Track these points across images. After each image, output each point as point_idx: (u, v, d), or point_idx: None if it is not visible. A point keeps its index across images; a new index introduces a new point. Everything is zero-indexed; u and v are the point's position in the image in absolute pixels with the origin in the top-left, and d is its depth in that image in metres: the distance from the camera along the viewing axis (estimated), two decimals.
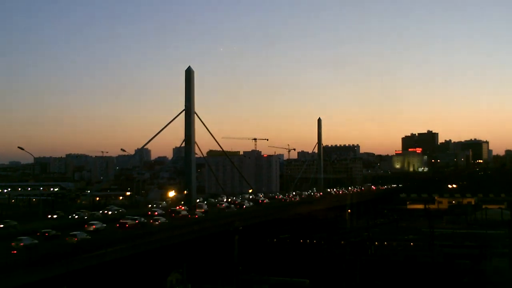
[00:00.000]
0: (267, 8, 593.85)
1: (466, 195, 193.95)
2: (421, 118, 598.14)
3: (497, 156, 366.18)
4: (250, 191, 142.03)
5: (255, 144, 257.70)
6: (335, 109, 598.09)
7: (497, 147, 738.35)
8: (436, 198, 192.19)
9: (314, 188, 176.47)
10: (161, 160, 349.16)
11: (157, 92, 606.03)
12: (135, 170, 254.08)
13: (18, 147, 67.79)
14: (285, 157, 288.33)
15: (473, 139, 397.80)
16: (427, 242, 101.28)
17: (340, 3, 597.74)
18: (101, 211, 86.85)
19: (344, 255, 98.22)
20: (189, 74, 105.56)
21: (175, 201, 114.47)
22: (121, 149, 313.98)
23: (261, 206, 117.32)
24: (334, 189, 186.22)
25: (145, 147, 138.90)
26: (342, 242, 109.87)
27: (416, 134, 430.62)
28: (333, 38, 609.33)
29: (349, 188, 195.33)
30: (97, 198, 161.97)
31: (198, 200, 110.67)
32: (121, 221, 67.49)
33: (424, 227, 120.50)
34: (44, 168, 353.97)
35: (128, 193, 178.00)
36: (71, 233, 55.92)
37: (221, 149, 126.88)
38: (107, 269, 54.69)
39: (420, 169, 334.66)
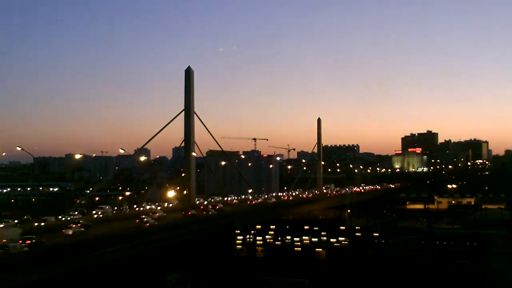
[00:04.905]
0: (267, 8, 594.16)
1: (466, 195, 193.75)
2: (421, 118, 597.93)
3: (497, 156, 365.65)
4: (250, 191, 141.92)
5: (255, 144, 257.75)
6: (335, 109, 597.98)
7: (497, 147, 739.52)
8: (435, 198, 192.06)
9: (314, 190, 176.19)
10: (161, 160, 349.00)
11: (157, 92, 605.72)
12: (135, 170, 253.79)
13: (18, 147, 67.30)
14: (285, 157, 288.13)
15: (472, 139, 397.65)
16: (427, 242, 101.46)
17: (340, 3, 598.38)
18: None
19: (344, 255, 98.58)
20: (188, 74, 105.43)
21: (176, 201, 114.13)
22: (121, 149, 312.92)
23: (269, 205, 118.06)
24: (334, 189, 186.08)
25: (144, 147, 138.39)
26: (342, 242, 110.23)
27: (416, 134, 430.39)
28: (333, 38, 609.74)
29: (347, 188, 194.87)
30: (97, 198, 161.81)
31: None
32: None
33: (423, 227, 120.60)
34: (43, 168, 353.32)
35: (127, 193, 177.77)
36: None
37: (220, 149, 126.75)
38: (106, 269, 54.65)
39: (420, 169, 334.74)
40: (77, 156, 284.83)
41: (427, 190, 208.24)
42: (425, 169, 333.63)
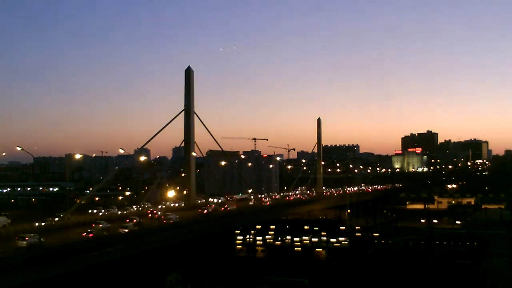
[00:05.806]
0: (267, 8, 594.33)
1: (466, 195, 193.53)
2: (421, 118, 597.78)
3: (497, 156, 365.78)
4: (250, 191, 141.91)
5: (255, 144, 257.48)
6: (335, 109, 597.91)
7: (497, 147, 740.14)
8: (435, 198, 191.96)
9: (313, 189, 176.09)
10: (161, 160, 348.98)
11: (157, 92, 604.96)
12: (135, 170, 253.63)
13: (18, 147, 66.82)
14: (285, 157, 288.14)
15: (472, 139, 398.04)
16: (427, 242, 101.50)
17: (340, 3, 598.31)
18: None
19: (344, 255, 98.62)
20: (188, 74, 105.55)
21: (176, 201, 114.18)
22: (121, 149, 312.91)
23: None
24: (333, 190, 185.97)
25: (145, 147, 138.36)
26: (342, 242, 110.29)
27: (416, 134, 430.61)
28: (333, 38, 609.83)
29: (347, 188, 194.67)
30: (97, 198, 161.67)
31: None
32: None
33: (423, 227, 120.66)
34: (43, 168, 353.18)
35: (127, 193, 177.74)
36: None
37: (220, 149, 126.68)
38: (106, 269, 54.66)
39: (420, 169, 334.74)
40: (77, 156, 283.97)
41: (427, 190, 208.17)
42: (425, 169, 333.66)
